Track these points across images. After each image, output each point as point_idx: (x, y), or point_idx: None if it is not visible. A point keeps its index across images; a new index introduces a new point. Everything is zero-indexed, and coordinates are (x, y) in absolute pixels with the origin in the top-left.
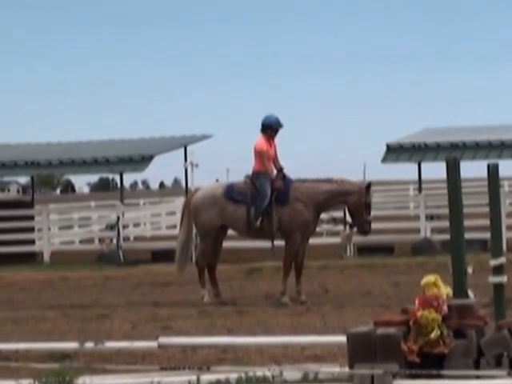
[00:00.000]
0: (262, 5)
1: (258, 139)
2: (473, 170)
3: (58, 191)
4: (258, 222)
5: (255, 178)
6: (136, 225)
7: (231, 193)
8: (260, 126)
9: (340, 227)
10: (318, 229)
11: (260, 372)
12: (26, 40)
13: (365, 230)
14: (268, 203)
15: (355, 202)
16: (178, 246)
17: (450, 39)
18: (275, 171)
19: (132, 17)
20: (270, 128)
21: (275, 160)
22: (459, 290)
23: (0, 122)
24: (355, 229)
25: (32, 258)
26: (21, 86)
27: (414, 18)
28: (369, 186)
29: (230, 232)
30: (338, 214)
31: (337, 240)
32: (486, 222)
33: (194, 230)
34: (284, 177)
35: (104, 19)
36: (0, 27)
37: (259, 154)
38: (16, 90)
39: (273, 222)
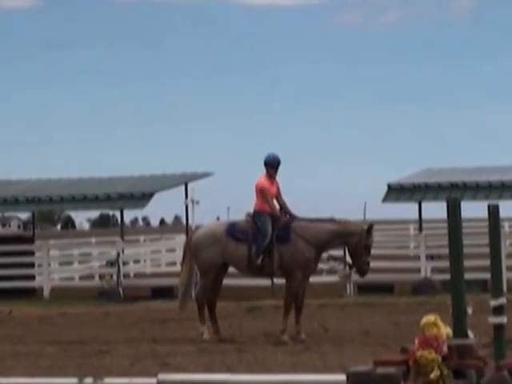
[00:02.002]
0: (260, 46)
1: (260, 177)
2: (473, 210)
3: (59, 227)
4: (259, 261)
5: (256, 216)
6: (136, 261)
7: (233, 231)
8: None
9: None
10: (320, 265)
11: None
12: (26, 75)
13: (363, 271)
14: (269, 242)
15: (356, 243)
16: (181, 286)
17: (452, 79)
18: (278, 210)
19: (134, 54)
20: (270, 166)
21: (279, 197)
22: (459, 330)
23: (1, 158)
24: (354, 269)
25: (32, 294)
26: (21, 121)
27: (415, 58)
28: (370, 228)
29: (231, 269)
30: (338, 252)
31: (337, 279)
32: (486, 262)
33: (195, 268)
34: (285, 215)
35: (106, 55)
36: None
37: (261, 192)
38: (16, 125)
39: (274, 260)
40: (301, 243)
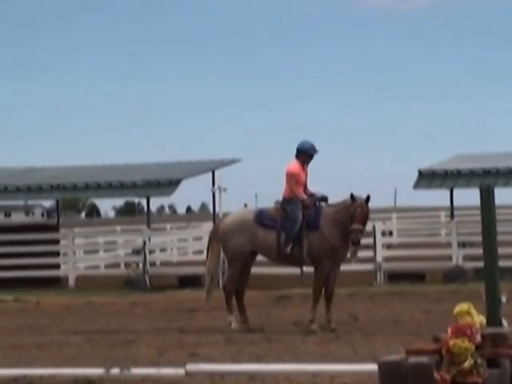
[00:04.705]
0: (294, 31)
1: (291, 162)
2: (506, 196)
3: (83, 215)
4: (289, 249)
5: (286, 203)
6: (162, 250)
7: (262, 218)
8: (295, 151)
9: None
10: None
11: None
12: (49, 59)
13: (352, 238)
14: (299, 229)
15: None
16: (207, 275)
17: (483, 65)
18: (305, 196)
19: (157, 36)
20: (305, 153)
21: (305, 186)
22: (493, 318)
23: (26, 146)
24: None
25: (57, 283)
26: (46, 109)
27: (445, 43)
28: (352, 196)
29: (259, 258)
30: None
31: (366, 267)
32: None
33: (222, 256)
34: (315, 203)
35: (130, 42)
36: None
37: (289, 177)
38: (41, 113)
39: (303, 248)
40: (328, 231)
